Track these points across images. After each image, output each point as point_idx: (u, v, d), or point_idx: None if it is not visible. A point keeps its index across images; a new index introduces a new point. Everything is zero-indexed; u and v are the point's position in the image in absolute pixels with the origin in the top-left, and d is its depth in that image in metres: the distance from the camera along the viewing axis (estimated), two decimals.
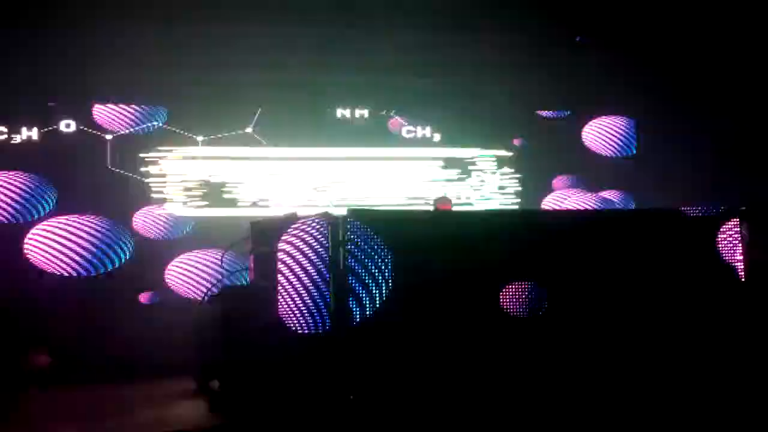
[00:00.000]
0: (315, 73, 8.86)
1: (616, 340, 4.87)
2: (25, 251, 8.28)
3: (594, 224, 5.30)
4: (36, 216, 8.39)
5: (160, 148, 8.78)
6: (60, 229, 8.38)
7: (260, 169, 9.00)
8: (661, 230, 5.09)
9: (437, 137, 9.49)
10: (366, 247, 4.72)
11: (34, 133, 8.56)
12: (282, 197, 8.92)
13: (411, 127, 9.36)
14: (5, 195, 8.37)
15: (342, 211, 4.97)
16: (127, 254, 8.56)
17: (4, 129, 8.52)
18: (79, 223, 8.44)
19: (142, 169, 8.73)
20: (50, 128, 8.60)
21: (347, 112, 9.33)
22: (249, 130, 9.04)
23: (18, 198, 8.36)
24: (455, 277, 4.79)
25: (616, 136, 9.88)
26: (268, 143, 9.02)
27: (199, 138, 8.90)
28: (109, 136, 8.70)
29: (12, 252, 8.20)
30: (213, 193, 8.86)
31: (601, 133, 9.86)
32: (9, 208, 8.34)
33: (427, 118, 9.47)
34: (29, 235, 8.31)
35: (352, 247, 4.73)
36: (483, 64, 8.71)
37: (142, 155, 8.74)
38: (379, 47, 8.35)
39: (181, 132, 8.89)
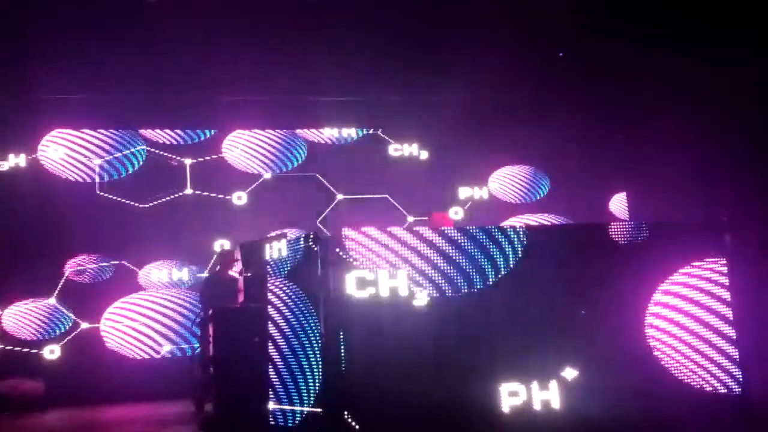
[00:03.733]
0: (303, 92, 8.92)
1: None
2: None
3: None
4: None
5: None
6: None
7: (248, 190, 9.04)
8: None
9: (425, 155, 9.53)
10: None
11: (22, 160, 8.55)
12: (269, 219, 8.93)
13: None
14: None
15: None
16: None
17: None
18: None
19: None
20: (35, 156, 8.61)
21: (335, 133, 9.41)
22: (237, 154, 9.08)
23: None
24: None
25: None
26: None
27: (188, 162, 8.92)
28: (98, 161, 8.68)
29: None
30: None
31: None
32: None
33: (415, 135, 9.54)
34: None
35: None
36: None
37: None
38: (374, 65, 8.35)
39: (167, 156, 8.91)
